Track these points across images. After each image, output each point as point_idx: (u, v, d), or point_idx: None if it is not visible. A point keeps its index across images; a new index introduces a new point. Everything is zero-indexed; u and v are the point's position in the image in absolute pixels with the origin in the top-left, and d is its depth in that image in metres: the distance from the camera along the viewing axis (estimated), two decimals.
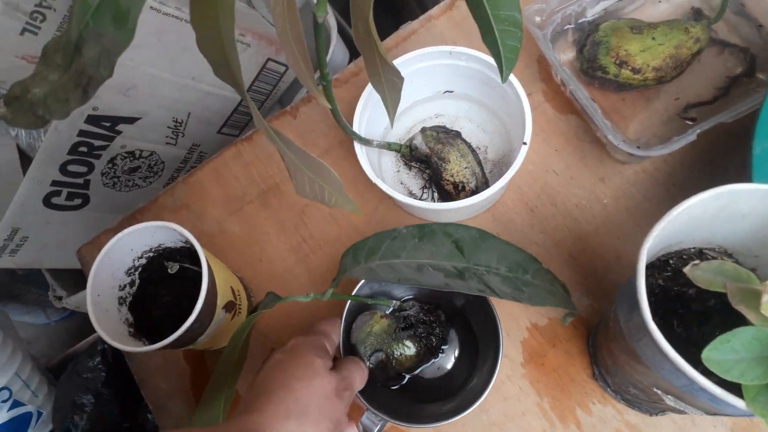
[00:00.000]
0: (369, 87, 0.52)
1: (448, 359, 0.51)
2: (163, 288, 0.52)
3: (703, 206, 0.35)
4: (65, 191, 0.74)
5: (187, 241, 0.47)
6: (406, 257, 0.41)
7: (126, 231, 0.47)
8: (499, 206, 0.56)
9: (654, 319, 0.40)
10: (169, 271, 0.52)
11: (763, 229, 0.37)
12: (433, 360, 0.51)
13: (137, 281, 0.51)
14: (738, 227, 0.38)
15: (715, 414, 0.37)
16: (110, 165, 0.75)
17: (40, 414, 0.79)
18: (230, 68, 0.34)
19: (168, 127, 0.77)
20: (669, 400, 0.38)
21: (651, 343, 0.33)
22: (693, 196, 0.34)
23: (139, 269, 0.51)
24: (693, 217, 0.36)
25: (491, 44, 0.35)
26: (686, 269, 0.34)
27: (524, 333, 0.51)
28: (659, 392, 0.38)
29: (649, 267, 0.42)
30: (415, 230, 0.42)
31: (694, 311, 0.40)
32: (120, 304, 0.49)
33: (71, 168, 0.71)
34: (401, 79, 0.43)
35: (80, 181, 0.75)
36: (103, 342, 0.81)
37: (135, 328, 0.49)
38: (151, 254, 0.51)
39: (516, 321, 0.52)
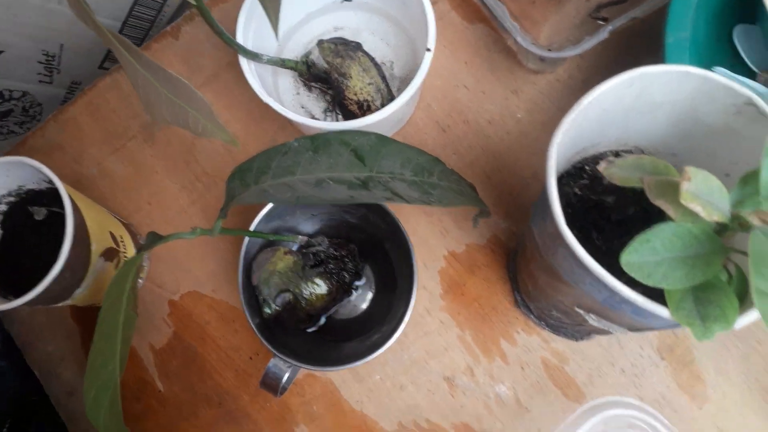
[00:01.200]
0: None
1: (364, 297, 0.47)
2: (31, 238, 0.45)
3: (616, 94, 0.32)
4: None
5: (51, 180, 0.40)
6: (302, 173, 0.36)
7: None
8: (410, 127, 0.51)
9: (572, 231, 0.37)
10: (35, 217, 0.45)
11: (681, 121, 0.34)
12: (347, 298, 0.46)
13: None
14: (653, 120, 0.35)
15: (639, 329, 0.34)
16: None
17: None
18: None
19: (38, 62, 0.67)
20: (592, 320, 0.36)
21: (567, 255, 0.29)
22: (604, 82, 0.30)
23: (0, 218, 0.43)
24: (606, 110, 0.33)
25: None
26: (600, 166, 0.30)
27: (441, 262, 0.48)
28: (581, 312, 0.36)
29: (565, 176, 0.38)
30: (308, 142, 0.36)
31: (614, 221, 0.37)
32: None
33: None
34: None
35: None
36: None
37: (2, 287, 0.42)
38: (12, 199, 0.44)
39: (432, 250, 0.48)
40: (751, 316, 0.26)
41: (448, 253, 0.48)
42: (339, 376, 0.46)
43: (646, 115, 0.35)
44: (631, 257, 0.26)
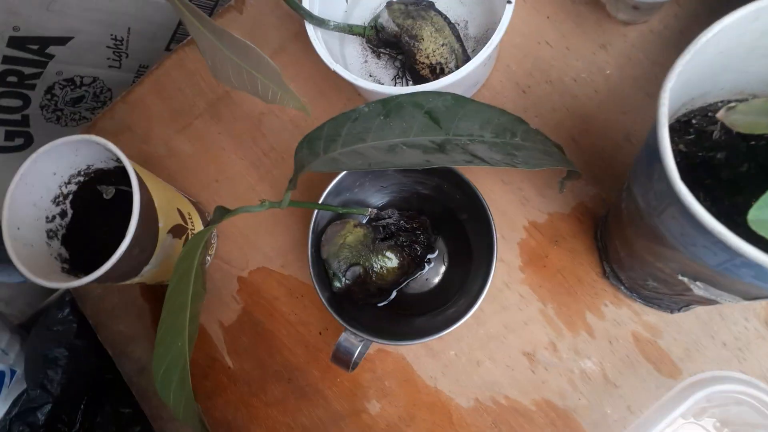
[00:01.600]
0: None
1: (437, 270, 0.45)
2: (100, 217, 0.45)
3: (737, 31, 0.27)
4: (2, 129, 0.66)
5: (119, 159, 0.40)
6: (374, 139, 0.34)
7: (41, 150, 0.40)
8: (486, 91, 0.48)
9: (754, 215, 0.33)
10: (104, 196, 0.45)
11: None
12: (419, 272, 0.44)
13: (69, 211, 0.44)
14: None
15: (755, 298, 0.30)
16: (49, 96, 0.67)
17: (13, 372, 0.74)
18: None
19: (107, 47, 0.68)
20: (698, 288, 0.32)
21: (678, 215, 0.26)
22: (726, 16, 0.26)
23: (70, 197, 0.44)
24: (722, 52, 0.29)
25: None
26: (720, 114, 0.26)
27: (521, 233, 0.44)
28: (685, 279, 0.32)
29: (670, 131, 0.34)
30: (379, 106, 0.34)
31: (725, 180, 0.33)
32: (50, 237, 0.42)
33: (3, 102, 0.63)
34: None
35: (17, 117, 0.66)
36: (69, 291, 0.76)
37: (71, 264, 0.43)
38: (81, 178, 0.44)
39: (511, 221, 0.45)
40: None
41: (529, 224, 0.44)
42: (412, 351, 0.44)
43: (767, 57, 0.30)
44: (759, 213, 0.22)
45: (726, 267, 0.26)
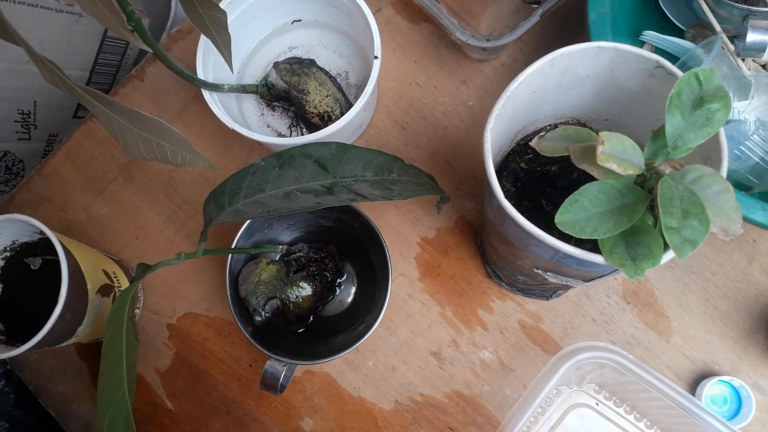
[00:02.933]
0: None
1: (348, 292, 0.51)
2: (31, 287, 0.48)
3: (541, 75, 0.35)
4: None
5: (42, 231, 0.43)
6: (271, 188, 0.39)
7: None
8: (371, 130, 0.54)
9: (524, 201, 0.41)
10: (32, 267, 0.48)
11: (605, 89, 0.37)
12: (332, 296, 0.50)
13: None
14: (582, 93, 0.38)
15: (590, 279, 0.38)
16: None
17: None
18: (6, 27, 0.30)
19: (15, 121, 0.70)
20: (550, 277, 0.39)
21: (512, 223, 0.33)
22: (528, 67, 0.34)
23: None
24: (536, 91, 0.36)
25: None
26: (532, 142, 0.33)
27: (416, 249, 0.51)
28: (540, 272, 0.39)
29: (511, 153, 0.42)
30: (274, 160, 0.40)
31: (561, 187, 0.41)
32: None
33: None
34: (223, 13, 0.40)
35: None
36: (4, 362, 0.76)
37: (7, 335, 0.45)
38: (8, 254, 0.47)
39: (406, 239, 0.51)
40: (671, 253, 0.30)
41: (421, 240, 0.51)
42: (335, 368, 0.49)
43: (575, 89, 0.38)
44: (564, 216, 0.30)
45: (557, 259, 0.34)
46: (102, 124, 0.35)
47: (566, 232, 0.30)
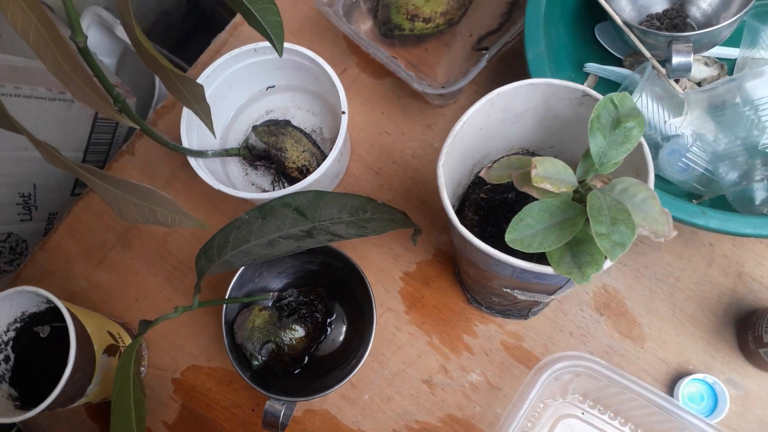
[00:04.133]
0: None
1: (339, 330, 0.54)
2: (41, 354, 0.51)
3: (484, 114, 0.39)
4: None
5: (50, 301, 0.47)
6: (255, 239, 0.43)
7: None
8: (348, 178, 0.58)
9: (487, 228, 0.45)
10: (41, 335, 0.51)
11: (545, 120, 0.42)
12: (324, 335, 0.52)
13: (12, 355, 0.50)
14: (525, 125, 0.42)
15: (554, 292, 0.41)
16: None
17: None
18: (7, 119, 0.34)
19: (17, 204, 0.74)
20: (518, 294, 0.42)
21: (472, 247, 0.36)
22: (469, 108, 0.38)
23: (10, 343, 0.50)
24: (482, 129, 0.41)
25: (257, 26, 0.38)
26: (482, 173, 0.37)
27: (399, 283, 0.54)
28: (509, 290, 0.42)
29: (470, 186, 0.46)
30: (257, 212, 0.44)
31: (518, 212, 0.45)
32: None
33: None
34: (200, 86, 0.45)
35: None
36: (18, 428, 0.77)
37: (22, 401, 0.48)
38: (18, 324, 0.50)
39: (389, 275, 0.54)
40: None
41: (404, 274, 0.54)
42: (334, 404, 0.52)
43: (518, 122, 0.42)
44: (512, 235, 0.33)
45: (516, 275, 0.37)
46: (99, 195, 0.38)
47: (515, 248, 0.33)
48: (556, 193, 0.33)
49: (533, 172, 0.32)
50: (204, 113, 0.48)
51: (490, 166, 0.38)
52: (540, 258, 0.35)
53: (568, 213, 0.34)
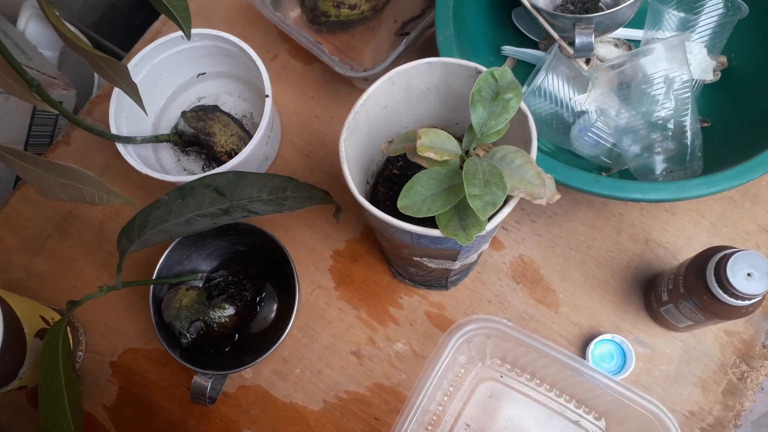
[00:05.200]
0: (115, 89, 0.55)
1: (270, 309, 0.55)
2: None
3: (386, 92, 0.41)
4: None
5: None
6: (174, 217, 0.44)
7: None
8: (280, 161, 0.60)
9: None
10: None
11: (447, 98, 0.44)
12: (254, 313, 0.54)
13: None
14: (429, 103, 0.45)
15: (456, 258, 0.43)
16: None
17: None
18: None
19: None
20: (427, 262, 0.45)
21: (372, 216, 0.38)
22: (370, 87, 0.40)
23: None
24: (387, 106, 0.43)
25: (164, 10, 0.39)
26: (381, 147, 0.40)
27: (329, 261, 0.56)
28: (418, 259, 0.45)
29: (385, 163, 0.48)
30: (177, 193, 0.45)
31: None
32: None
33: None
34: (124, 66, 0.46)
35: None
36: None
37: None
38: None
39: (320, 254, 0.57)
40: (496, 219, 0.36)
41: (333, 252, 0.56)
42: (266, 380, 0.54)
43: (422, 101, 0.45)
44: (403, 201, 0.35)
45: (416, 241, 0.39)
46: (18, 174, 0.40)
47: (407, 213, 0.35)
48: (442, 161, 0.36)
49: (418, 143, 0.35)
50: (132, 91, 0.49)
51: (390, 141, 0.40)
52: (433, 224, 0.37)
53: (454, 180, 0.36)
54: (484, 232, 0.35)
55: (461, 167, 0.37)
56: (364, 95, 0.40)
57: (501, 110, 0.35)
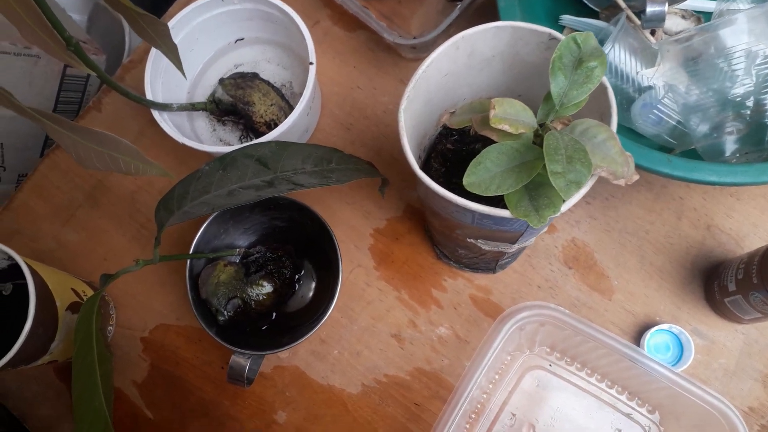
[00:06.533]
0: (152, 51, 0.52)
1: (308, 287, 0.53)
2: (4, 312, 0.50)
3: (449, 58, 0.38)
4: None
5: (11, 257, 0.46)
6: (216, 189, 0.42)
7: None
8: (319, 133, 0.57)
9: (453, 179, 0.44)
10: (3, 293, 0.50)
11: (512, 66, 0.41)
12: (292, 291, 0.52)
13: None
14: (492, 72, 0.41)
15: (516, 240, 0.41)
16: None
17: None
18: None
19: None
20: (482, 244, 0.42)
21: (432, 194, 0.35)
22: (433, 51, 0.37)
23: None
24: (448, 74, 0.39)
25: None
26: (443, 119, 0.37)
27: (370, 240, 0.54)
28: (472, 240, 0.42)
29: (438, 137, 0.45)
30: (217, 163, 0.43)
31: None
32: None
33: None
34: (164, 25, 0.43)
35: None
36: None
37: None
38: None
39: (359, 232, 0.54)
40: (573, 200, 0.33)
41: (374, 231, 0.54)
42: (303, 360, 0.52)
43: (485, 69, 0.41)
44: (470, 179, 0.33)
45: (477, 221, 0.37)
46: (56, 140, 0.37)
47: (474, 191, 0.32)
48: (516, 135, 0.33)
49: (492, 113, 0.32)
50: (171, 52, 0.46)
51: (452, 112, 0.37)
52: (498, 204, 0.34)
53: (527, 156, 0.33)
54: (558, 213, 0.32)
55: (534, 142, 0.34)
56: (427, 61, 0.37)
57: (584, 79, 0.32)
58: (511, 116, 0.32)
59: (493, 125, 0.32)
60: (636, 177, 0.33)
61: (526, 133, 0.33)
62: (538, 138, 0.34)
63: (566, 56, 0.33)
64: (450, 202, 0.34)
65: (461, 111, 0.36)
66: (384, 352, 0.51)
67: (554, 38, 0.37)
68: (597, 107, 0.36)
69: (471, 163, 0.33)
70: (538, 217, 0.32)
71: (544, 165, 0.33)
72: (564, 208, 0.32)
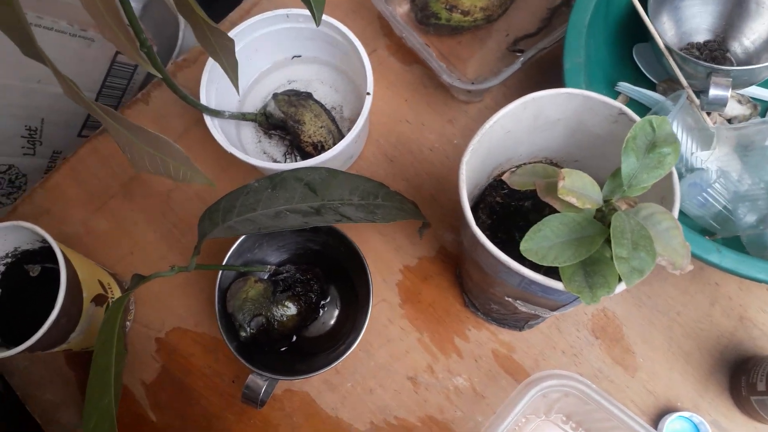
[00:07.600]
0: (210, 59, 0.52)
1: (331, 314, 0.53)
2: (28, 293, 0.50)
3: (515, 117, 0.38)
4: None
5: (45, 240, 0.46)
6: (263, 208, 0.42)
7: None
8: (362, 161, 0.57)
9: (498, 234, 0.44)
10: (31, 274, 0.50)
11: (575, 133, 0.41)
12: (315, 316, 0.52)
13: None
14: (554, 135, 0.41)
15: (557, 308, 0.40)
16: None
17: None
18: (35, 47, 0.33)
19: (22, 136, 0.73)
20: (520, 305, 0.41)
21: (483, 249, 0.35)
22: (502, 108, 0.37)
23: None
24: (510, 131, 0.39)
25: None
26: (505, 176, 0.36)
27: (398, 276, 0.53)
28: (510, 300, 0.41)
29: (488, 188, 0.45)
30: (267, 182, 0.42)
31: (533, 222, 0.43)
32: None
33: None
34: (231, 40, 0.43)
35: None
36: None
37: (4, 339, 0.47)
38: (9, 260, 0.49)
39: (389, 266, 0.54)
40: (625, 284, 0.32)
41: (404, 267, 0.53)
42: (314, 387, 0.51)
43: (547, 131, 0.41)
44: (527, 244, 0.32)
45: (523, 286, 0.36)
46: (113, 137, 0.37)
47: (529, 258, 0.32)
48: (579, 208, 0.33)
49: (560, 184, 0.31)
50: (231, 68, 0.46)
51: (513, 171, 0.37)
52: (548, 272, 0.34)
53: (588, 230, 0.33)
54: (611, 294, 0.32)
55: (596, 217, 0.33)
56: (495, 117, 0.37)
57: (656, 164, 0.32)
58: (579, 189, 0.32)
59: (560, 196, 0.31)
60: (690, 267, 0.32)
61: (590, 208, 0.32)
62: (599, 213, 0.33)
63: (640, 138, 0.32)
64: (501, 263, 0.34)
65: (523, 172, 0.36)
66: (398, 393, 0.50)
67: (624, 113, 0.37)
68: (659, 190, 0.36)
69: (531, 230, 0.32)
70: (591, 295, 0.32)
71: (604, 242, 0.33)
72: (618, 289, 0.32)
